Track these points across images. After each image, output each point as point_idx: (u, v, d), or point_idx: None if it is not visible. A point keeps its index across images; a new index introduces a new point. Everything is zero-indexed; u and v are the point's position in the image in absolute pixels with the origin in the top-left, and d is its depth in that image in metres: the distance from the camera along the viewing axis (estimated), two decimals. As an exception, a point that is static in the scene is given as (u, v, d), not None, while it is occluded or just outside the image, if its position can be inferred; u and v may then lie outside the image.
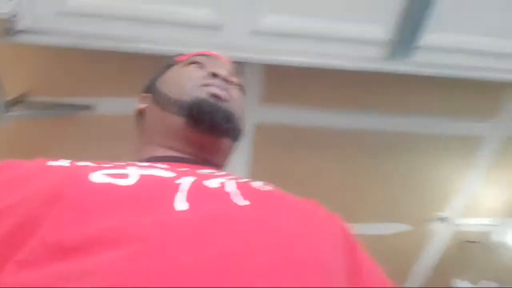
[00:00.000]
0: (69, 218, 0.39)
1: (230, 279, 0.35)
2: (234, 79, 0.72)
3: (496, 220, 2.27)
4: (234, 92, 0.69)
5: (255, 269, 0.37)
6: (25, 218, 0.39)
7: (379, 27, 1.27)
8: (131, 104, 0.78)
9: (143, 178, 0.47)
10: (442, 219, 2.17)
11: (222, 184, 0.50)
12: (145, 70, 0.81)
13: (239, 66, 0.79)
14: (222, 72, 0.67)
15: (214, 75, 0.67)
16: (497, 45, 1.35)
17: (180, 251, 0.36)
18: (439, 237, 2.29)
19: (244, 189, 0.50)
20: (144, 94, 0.76)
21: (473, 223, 2.27)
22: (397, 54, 1.29)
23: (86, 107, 1.49)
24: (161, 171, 0.51)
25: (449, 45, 1.33)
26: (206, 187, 0.48)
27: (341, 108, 1.65)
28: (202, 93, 0.63)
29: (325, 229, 0.51)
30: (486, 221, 2.26)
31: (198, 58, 0.72)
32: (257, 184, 0.56)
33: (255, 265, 0.37)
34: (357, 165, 1.80)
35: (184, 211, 0.42)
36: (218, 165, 0.69)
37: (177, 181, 0.48)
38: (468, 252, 2.37)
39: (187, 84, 0.65)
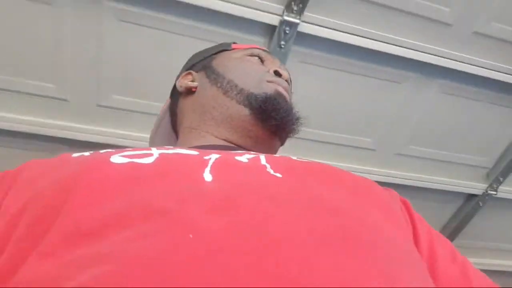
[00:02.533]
0: (86, 203, 0.37)
1: (251, 253, 0.31)
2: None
3: None
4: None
5: (282, 242, 0.33)
6: (45, 209, 0.38)
7: None
8: None
9: (166, 156, 0.45)
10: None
11: (256, 158, 0.47)
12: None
13: None
14: (285, 72, 0.65)
15: (278, 74, 0.64)
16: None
17: (203, 222, 0.34)
18: None
19: (275, 162, 0.46)
20: (191, 71, 0.70)
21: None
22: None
23: None
24: (186, 150, 0.47)
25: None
26: (236, 161, 0.46)
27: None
28: (268, 89, 0.60)
29: (376, 197, 0.46)
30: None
31: (259, 52, 0.69)
32: (295, 158, 0.51)
33: (285, 237, 0.34)
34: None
35: (209, 181, 0.40)
36: None
37: (206, 157, 0.45)
38: None
39: (253, 75, 0.62)
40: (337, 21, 1.30)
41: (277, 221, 0.35)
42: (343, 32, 1.31)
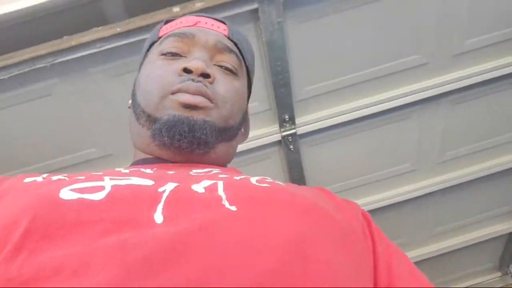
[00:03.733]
0: (28, 245, 0.34)
1: None
2: (223, 60, 0.60)
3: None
4: (219, 84, 0.57)
5: None
6: None
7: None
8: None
9: (118, 189, 0.41)
10: None
11: (214, 186, 0.44)
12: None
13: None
14: (196, 65, 0.55)
15: (188, 71, 0.55)
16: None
17: (141, 281, 0.32)
18: None
19: (232, 190, 0.43)
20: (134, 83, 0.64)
21: None
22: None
23: None
24: (141, 179, 0.44)
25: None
26: (192, 192, 0.42)
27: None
28: (173, 105, 0.53)
29: (329, 230, 0.42)
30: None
31: (172, 44, 0.59)
32: (253, 181, 0.47)
33: None
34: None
35: (159, 224, 0.37)
36: (218, 165, 0.58)
37: (161, 189, 0.42)
38: None
39: (155, 93, 0.55)
40: (327, 112, 1.51)
41: (222, 278, 0.33)
42: (335, 117, 1.52)
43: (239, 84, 0.61)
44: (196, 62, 0.55)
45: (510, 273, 2.61)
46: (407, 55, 1.45)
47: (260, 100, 1.43)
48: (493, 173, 1.91)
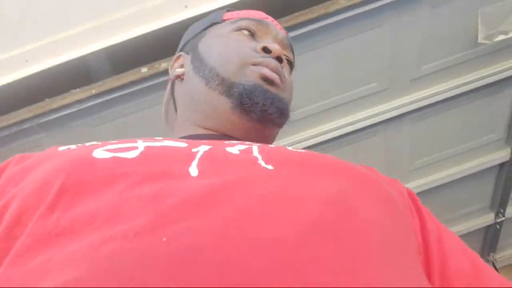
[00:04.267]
0: (63, 203, 0.35)
1: (231, 262, 0.29)
2: (287, 54, 0.64)
3: None
4: (286, 72, 0.61)
5: (264, 244, 0.31)
6: (23, 209, 0.36)
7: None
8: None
9: (152, 149, 0.42)
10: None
11: (248, 149, 0.44)
12: None
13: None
14: (276, 47, 0.58)
15: (267, 50, 0.58)
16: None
17: (180, 223, 0.32)
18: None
19: (268, 153, 0.43)
20: (181, 54, 0.66)
21: None
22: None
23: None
24: (174, 142, 0.46)
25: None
26: (226, 153, 0.43)
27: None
28: (253, 75, 0.55)
29: (374, 187, 0.42)
30: None
31: (248, 24, 0.62)
32: (289, 148, 0.49)
33: (267, 238, 0.31)
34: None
35: (195, 176, 0.37)
36: None
37: (194, 149, 0.43)
38: None
39: (236, 59, 0.57)
40: (298, 137, 1.64)
41: (262, 221, 0.32)
42: (307, 140, 1.65)
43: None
44: (275, 45, 0.59)
45: (490, 261, 2.76)
46: (367, 83, 1.56)
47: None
48: (464, 176, 2.03)
